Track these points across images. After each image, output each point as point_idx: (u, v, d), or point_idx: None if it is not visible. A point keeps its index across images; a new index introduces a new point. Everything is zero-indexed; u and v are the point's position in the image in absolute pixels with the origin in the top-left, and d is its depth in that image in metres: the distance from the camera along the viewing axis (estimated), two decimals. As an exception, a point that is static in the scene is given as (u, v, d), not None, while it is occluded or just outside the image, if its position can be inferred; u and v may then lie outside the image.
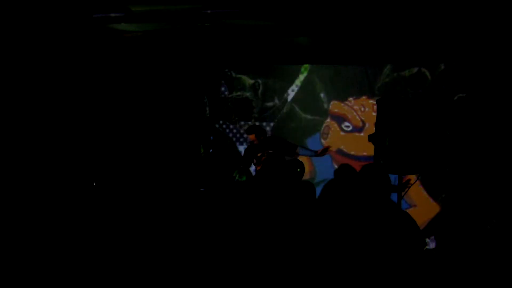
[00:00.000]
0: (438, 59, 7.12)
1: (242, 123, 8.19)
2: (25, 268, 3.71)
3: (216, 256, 3.21)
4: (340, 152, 7.65)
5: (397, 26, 6.27)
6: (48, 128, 6.95)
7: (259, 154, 4.66)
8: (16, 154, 6.47)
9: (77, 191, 6.13)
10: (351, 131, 7.63)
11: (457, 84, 6.99)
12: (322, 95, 7.80)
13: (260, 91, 8.13)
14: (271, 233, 3.22)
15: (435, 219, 7.04)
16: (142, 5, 5.89)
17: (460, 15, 5.69)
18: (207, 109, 8.39)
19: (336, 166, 7.63)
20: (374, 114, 5.26)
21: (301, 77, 7.89)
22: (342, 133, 7.69)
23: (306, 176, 6.87)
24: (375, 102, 5.81)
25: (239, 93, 8.22)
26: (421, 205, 7.12)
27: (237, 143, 8.24)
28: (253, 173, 5.80)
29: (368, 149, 6.53)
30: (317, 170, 7.69)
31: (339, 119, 7.70)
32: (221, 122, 8.29)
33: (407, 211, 4.32)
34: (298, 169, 6.05)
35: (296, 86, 7.92)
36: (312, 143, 7.78)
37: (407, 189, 4.98)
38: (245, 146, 7.83)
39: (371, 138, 4.97)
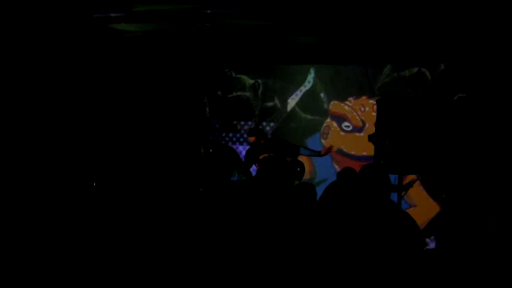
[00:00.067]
0: (438, 59, 7.12)
1: (242, 123, 8.20)
2: (25, 268, 3.71)
3: (215, 257, 3.21)
4: (340, 152, 7.65)
5: (397, 26, 6.27)
6: (48, 128, 6.95)
7: (261, 157, 4.66)
8: (16, 154, 6.47)
9: (77, 190, 6.13)
10: (351, 131, 7.64)
11: (457, 84, 6.99)
12: (322, 95, 7.80)
13: (260, 91, 8.13)
14: (271, 233, 3.22)
15: (435, 219, 7.04)
16: (142, 5, 5.89)
17: (460, 15, 5.69)
18: (207, 109, 8.39)
19: (336, 166, 7.64)
20: (374, 114, 5.27)
21: (309, 77, 7.88)
22: (342, 133, 7.69)
23: (306, 176, 6.88)
24: (375, 102, 5.81)
25: (239, 93, 8.23)
26: (421, 205, 7.12)
27: (237, 143, 8.24)
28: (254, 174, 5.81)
29: (368, 149, 6.53)
30: (317, 170, 7.70)
31: (339, 119, 7.70)
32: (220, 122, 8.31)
33: (407, 211, 4.32)
34: (298, 169, 6.06)
35: (305, 86, 7.91)
36: (312, 143, 7.78)
37: (407, 189, 4.98)
38: (245, 146, 7.84)
39: (371, 138, 4.98)
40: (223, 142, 8.27)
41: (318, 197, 4.08)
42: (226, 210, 3.40)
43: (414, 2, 5.46)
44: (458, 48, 6.78)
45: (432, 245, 6.92)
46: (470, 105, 6.82)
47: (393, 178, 3.82)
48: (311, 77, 7.85)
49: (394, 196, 4.22)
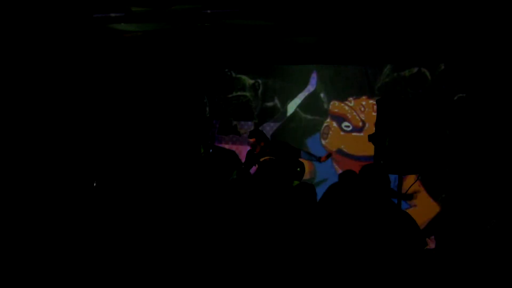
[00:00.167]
0: (438, 59, 7.12)
1: (242, 123, 8.20)
2: (25, 268, 3.71)
3: (215, 257, 3.21)
4: (340, 152, 7.65)
5: (397, 26, 6.27)
6: (48, 128, 6.95)
7: (261, 159, 4.67)
8: (16, 154, 6.47)
9: (77, 190, 6.12)
10: (351, 131, 7.63)
11: (457, 84, 6.99)
12: (322, 95, 7.80)
13: (260, 91, 8.13)
14: (271, 234, 3.22)
15: (435, 219, 7.04)
16: (142, 5, 5.89)
17: (460, 15, 5.69)
18: (207, 109, 8.39)
19: (336, 166, 7.64)
20: (374, 114, 5.26)
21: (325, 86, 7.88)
22: (342, 133, 7.69)
23: (306, 176, 6.89)
24: (375, 102, 5.81)
25: (239, 93, 8.23)
26: (421, 205, 7.11)
27: (237, 143, 8.24)
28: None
29: (368, 149, 6.52)
30: (317, 170, 7.70)
31: (339, 119, 7.70)
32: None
33: (407, 211, 4.32)
34: (298, 169, 6.07)
35: (308, 90, 7.91)
36: (312, 143, 7.78)
37: (410, 198, 4.98)
38: (245, 146, 7.83)
39: (371, 138, 4.97)
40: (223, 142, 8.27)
41: (318, 197, 4.08)
42: (225, 210, 3.40)
43: (414, 2, 5.46)
44: (458, 48, 6.78)
45: (432, 245, 6.92)
46: (470, 105, 6.82)
47: (393, 178, 3.82)
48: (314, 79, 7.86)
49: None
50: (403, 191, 4.81)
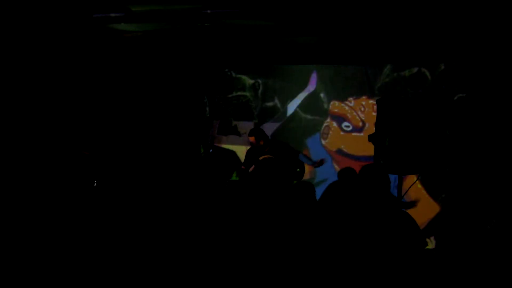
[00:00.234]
0: (438, 59, 7.12)
1: (242, 123, 8.19)
2: (25, 268, 3.71)
3: (214, 256, 3.21)
4: (340, 152, 7.65)
5: (397, 26, 6.27)
6: (48, 128, 6.95)
7: (261, 158, 4.66)
8: (16, 153, 6.47)
9: (77, 190, 6.12)
10: (351, 131, 7.63)
11: (457, 84, 6.99)
12: (322, 95, 7.80)
13: (260, 91, 8.13)
14: (269, 233, 3.22)
15: (435, 219, 7.04)
16: (142, 5, 5.89)
17: (460, 15, 5.69)
18: (207, 109, 8.39)
19: (336, 166, 7.64)
20: (374, 114, 5.26)
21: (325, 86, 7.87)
22: (342, 133, 7.69)
23: (306, 176, 6.90)
24: (375, 102, 5.81)
25: (239, 93, 8.23)
26: (421, 205, 7.11)
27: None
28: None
29: (368, 149, 6.51)
30: (317, 170, 7.69)
31: (339, 119, 7.70)
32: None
33: (407, 211, 4.32)
34: (298, 169, 6.08)
35: (308, 90, 7.91)
36: (312, 143, 7.78)
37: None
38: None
39: (371, 138, 4.97)
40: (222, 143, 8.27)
41: (317, 196, 4.08)
42: (224, 210, 3.40)
43: (414, 2, 5.46)
44: (458, 48, 6.78)
45: (432, 245, 6.92)
46: (470, 105, 6.82)
47: (393, 178, 3.81)
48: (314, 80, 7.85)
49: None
50: (403, 191, 4.80)
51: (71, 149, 7.08)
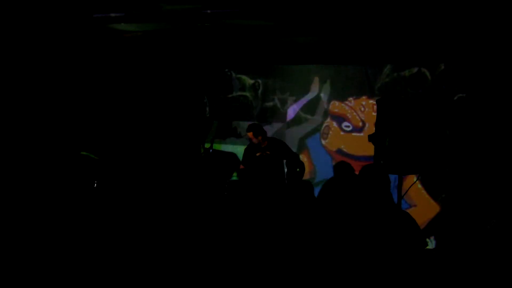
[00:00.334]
0: (438, 59, 7.12)
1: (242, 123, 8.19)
2: (25, 268, 3.71)
3: (214, 256, 3.21)
4: (340, 152, 7.65)
5: (397, 26, 6.27)
6: (48, 128, 6.95)
7: (258, 154, 4.67)
8: (16, 153, 6.47)
9: (77, 190, 6.12)
10: (351, 131, 7.63)
11: (457, 84, 6.99)
12: (322, 95, 7.80)
13: (260, 91, 8.13)
14: (269, 232, 3.22)
15: (435, 219, 7.04)
16: (142, 5, 5.90)
17: (460, 15, 5.69)
18: (207, 109, 8.39)
19: (336, 166, 7.64)
20: (374, 114, 5.26)
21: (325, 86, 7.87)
22: (342, 133, 7.69)
23: (306, 176, 6.90)
24: (375, 102, 5.81)
25: (239, 93, 8.23)
26: (421, 205, 7.12)
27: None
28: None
29: (368, 149, 6.52)
30: (317, 170, 7.70)
31: (339, 119, 7.70)
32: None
33: (407, 211, 4.32)
34: (298, 169, 6.08)
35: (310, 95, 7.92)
36: (312, 143, 7.78)
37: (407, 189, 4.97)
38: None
39: (371, 138, 4.97)
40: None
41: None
42: (223, 209, 3.40)
43: (414, 2, 5.46)
44: (458, 48, 6.78)
45: (432, 245, 6.92)
46: (470, 105, 6.82)
47: (393, 178, 3.81)
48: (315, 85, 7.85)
49: (394, 196, 4.21)
50: (403, 191, 4.80)
51: (71, 149, 7.08)
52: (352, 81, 7.63)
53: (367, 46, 7.12)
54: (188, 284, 3.23)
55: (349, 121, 7.64)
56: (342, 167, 5.50)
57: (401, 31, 6.43)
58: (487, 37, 6.37)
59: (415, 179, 5.21)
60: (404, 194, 5.00)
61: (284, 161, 6.97)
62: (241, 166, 6.75)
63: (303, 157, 7.72)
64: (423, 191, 7.13)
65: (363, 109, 7.57)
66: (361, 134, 7.51)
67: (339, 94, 7.70)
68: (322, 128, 7.80)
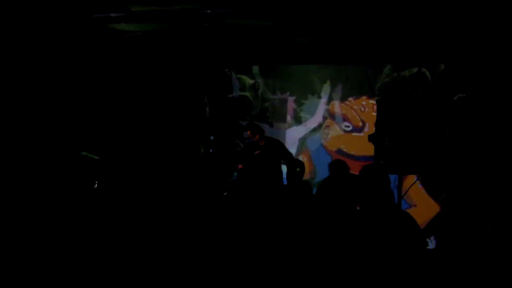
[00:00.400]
0: (438, 59, 7.12)
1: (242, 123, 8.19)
2: (25, 268, 3.71)
3: (214, 255, 3.21)
4: (340, 152, 7.65)
5: (397, 26, 6.27)
6: (48, 128, 6.95)
7: (256, 152, 4.68)
8: (16, 154, 6.47)
9: (78, 191, 6.12)
10: (351, 131, 7.63)
11: (457, 84, 6.99)
12: (322, 95, 7.80)
13: (260, 91, 8.13)
14: (269, 232, 3.23)
15: (435, 219, 7.04)
16: (142, 5, 5.89)
17: (460, 15, 5.69)
18: (207, 109, 8.39)
19: (336, 166, 7.64)
20: (374, 114, 5.26)
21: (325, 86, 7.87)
22: (342, 133, 7.69)
23: (306, 176, 6.88)
24: (375, 102, 5.81)
25: (239, 93, 8.23)
26: (421, 205, 7.12)
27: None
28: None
29: (368, 149, 6.52)
30: (317, 170, 7.70)
31: (339, 119, 7.70)
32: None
33: (407, 211, 4.32)
34: (298, 169, 6.07)
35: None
36: (312, 143, 7.78)
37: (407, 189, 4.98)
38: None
39: (371, 138, 4.97)
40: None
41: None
42: (222, 208, 3.40)
43: (414, 2, 5.46)
44: (458, 48, 6.78)
45: (432, 245, 6.92)
46: (470, 105, 6.82)
47: (393, 178, 3.81)
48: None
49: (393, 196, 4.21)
50: (403, 191, 4.81)
51: (71, 149, 7.08)
52: (352, 81, 7.63)
53: (367, 46, 7.12)
54: (188, 284, 3.23)
55: (349, 121, 7.64)
56: (337, 166, 5.49)
57: (401, 31, 6.43)
58: (487, 37, 6.37)
59: (415, 179, 5.21)
60: (404, 194, 5.00)
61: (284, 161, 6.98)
62: (240, 166, 6.77)
63: (303, 157, 7.72)
64: (423, 191, 7.13)
65: (363, 109, 7.57)
66: (361, 134, 7.51)
67: (339, 94, 7.70)
68: (322, 128, 7.80)
